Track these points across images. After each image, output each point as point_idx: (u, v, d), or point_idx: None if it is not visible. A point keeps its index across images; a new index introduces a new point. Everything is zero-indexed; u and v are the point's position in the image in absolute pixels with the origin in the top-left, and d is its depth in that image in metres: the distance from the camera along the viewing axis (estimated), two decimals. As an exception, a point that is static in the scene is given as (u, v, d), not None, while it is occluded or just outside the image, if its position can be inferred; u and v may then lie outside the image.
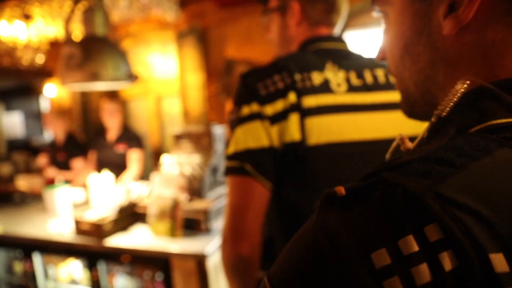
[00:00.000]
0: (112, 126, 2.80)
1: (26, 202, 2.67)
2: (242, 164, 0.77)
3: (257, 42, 3.20)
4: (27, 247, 2.06)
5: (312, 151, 0.77)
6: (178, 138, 2.27)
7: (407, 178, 0.26)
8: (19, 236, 2.04)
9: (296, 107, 0.77)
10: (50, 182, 2.55)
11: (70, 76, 2.02)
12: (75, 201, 2.47)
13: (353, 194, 0.28)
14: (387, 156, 0.35)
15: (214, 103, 3.41)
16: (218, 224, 1.97)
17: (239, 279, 0.78)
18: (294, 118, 0.76)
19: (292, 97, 0.77)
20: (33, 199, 2.69)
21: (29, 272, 2.12)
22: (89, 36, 2.10)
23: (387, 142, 0.78)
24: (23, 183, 2.74)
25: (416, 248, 0.24)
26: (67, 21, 2.04)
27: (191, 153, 2.21)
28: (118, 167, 2.74)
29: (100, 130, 2.95)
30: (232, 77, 3.21)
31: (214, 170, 2.16)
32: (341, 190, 0.29)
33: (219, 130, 2.24)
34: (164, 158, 2.31)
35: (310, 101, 0.77)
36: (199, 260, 1.68)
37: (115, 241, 1.84)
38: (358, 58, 0.88)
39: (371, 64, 0.86)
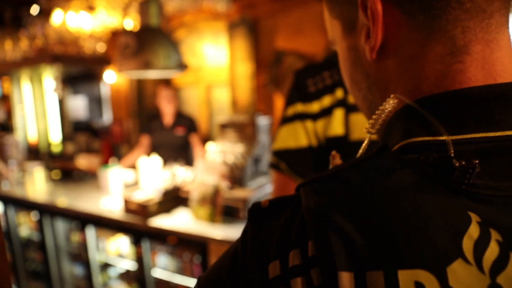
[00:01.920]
0: (169, 111, 2.95)
1: (84, 179, 2.91)
2: (279, 162, 0.84)
3: (308, 34, 3.15)
4: (83, 220, 2.25)
5: (355, 146, 0.81)
6: (223, 127, 2.33)
7: (307, 195, 0.29)
8: (77, 210, 2.23)
9: (342, 103, 0.79)
10: (106, 162, 2.75)
11: (125, 64, 2.14)
12: (126, 181, 2.64)
13: (274, 206, 0.32)
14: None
15: (262, 94, 3.43)
16: (256, 213, 2.00)
17: None
18: (339, 113, 0.79)
19: (339, 93, 0.80)
20: (91, 177, 2.92)
21: (83, 243, 2.32)
22: (144, 26, 2.21)
23: None
24: (82, 161, 2.98)
25: (298, 261, 0.26)
26: (125, 12, 2.15)
27: (235, 142, 2.26)
28: (176, 149, 2.92)
29: (154, 115, 3.12)
30: (281, 68, 3.20)
31: (256, 160, 2.19)
32: (265, 202, 0.32)
33: (264, 121, 2.26)
34: (209, 146, 2.39)
35: None
36: (235, 247, 1.73)
37: (159, 221, 1.95)
38: None
39: None
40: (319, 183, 0.29)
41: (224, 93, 3.69)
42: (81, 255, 2.43)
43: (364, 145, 0.36)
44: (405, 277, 0.23)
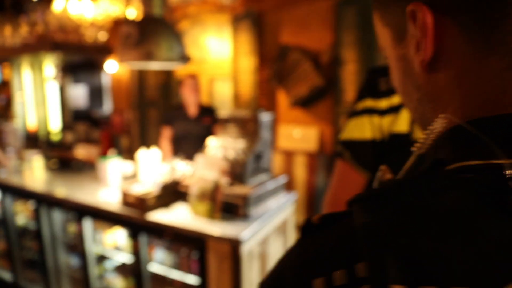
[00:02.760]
0: (193, 101, 2.90)
1: (82, 169, 2.88)
2: (344, 151, 0.92)
3: (314, 29, 3.10)
4: (80, 211, 2.22)
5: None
6: (225, 121, 2.29)
7: (359, 213, 0.29)
8: (74, 201, 2.21)
9: None
10: (105, 153, 2.72)
11: (127, 54, 2.10)
12: (125, 173, 2.61)
13: (324, 223, 0.32)
14: (374, 184, 0.38)
15: (266, 89, 3.39)
16: (257, 210, 1.97)
17: None
18: (406, 112, 0.83)
19: None
20: (89, 167, 2.89)
21: (79, 234, 2.29)
22: (147, 16, 2.16)
23: None
24: (81, 151, 2.95)
25: (344, 281, 0.27)
26: (127, 1, 2.11)
27: (236, 138, 2.22)
28: (200, 140, 2.88)
29: (177, 106, 3.07)
30: (285, 63, 3.16)
31: (258, 157, 2.15)
32: (317, 219, 0.33)
33: (266, 117, 2.22)
34: (209, 141, 2.36)
35: None
36: (234, 245, 1.70)
37: (157, 216, 1.92)
38: None
39: None
40: (371, 201, 0.29)
41: (226, 87, 3.65)
42: (77, 246, 2.41)
43: (410, 162, 0.35)
44: None
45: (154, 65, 2.28)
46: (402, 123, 0.85)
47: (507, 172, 0.26)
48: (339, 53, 2.93)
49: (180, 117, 2.95)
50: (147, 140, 3.80)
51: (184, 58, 2.30)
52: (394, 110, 0.86)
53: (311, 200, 3.31)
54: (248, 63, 3.32)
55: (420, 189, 0.28)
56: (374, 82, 0.90)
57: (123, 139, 3.95)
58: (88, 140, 4.14)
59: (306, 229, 0.33)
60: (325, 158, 3.16)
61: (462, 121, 0.31)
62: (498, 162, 0.27)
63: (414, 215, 0.27)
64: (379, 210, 0.28)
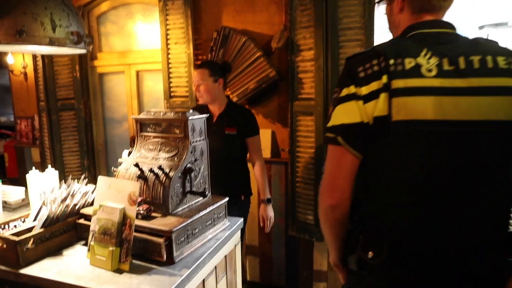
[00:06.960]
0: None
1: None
2: (336, 136, 0.98)
3: (260, 10, 2.57)
4: None
5: (395, 125, 0.91)
6: (142, 125, 1.68)
7: None
8: None
9: (387, 88, 0.92)
10: (13, 172, 2.02)
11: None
12: (11, 204, 1.93)
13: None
14: None
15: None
16: (187, 250, 1.40)
17: (331, 225, 1.06)
18: (383, 97, 0.91)
19: (384, 79, 0.92)
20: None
21: None
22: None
23: (468, 124, 0.89)
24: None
25: None
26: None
27: (157, 148, 1.62)
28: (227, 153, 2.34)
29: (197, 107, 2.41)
30: (227, 50, 2.59)
31: (188, 174, 1.56)
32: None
33: (199, 118, 1.63)
34: (124, 154, 1.74)
35: (399, 83, 0.91)
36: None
37: (37, 269, 1.31)
38: (458, 42, 0.98)
39: (469, 49, 0.94)
40: None
41: (157, 81, 3.04)
42: None
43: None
44: None
45: (36, 48, 1.62)
46: (382, 107, 0.91)
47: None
48: (293, 38, 2.40)
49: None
50: (61, 152, 3.05)
51: (82, 41, 1.67)
52: (374, 96, 0.92)
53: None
54: (182, 52, 2.71)
55: None
56: (356, 70, 0.96)
57: (34, 152, 3.19)
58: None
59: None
60: (281, 166, 2.63)
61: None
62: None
63: None
64: None
